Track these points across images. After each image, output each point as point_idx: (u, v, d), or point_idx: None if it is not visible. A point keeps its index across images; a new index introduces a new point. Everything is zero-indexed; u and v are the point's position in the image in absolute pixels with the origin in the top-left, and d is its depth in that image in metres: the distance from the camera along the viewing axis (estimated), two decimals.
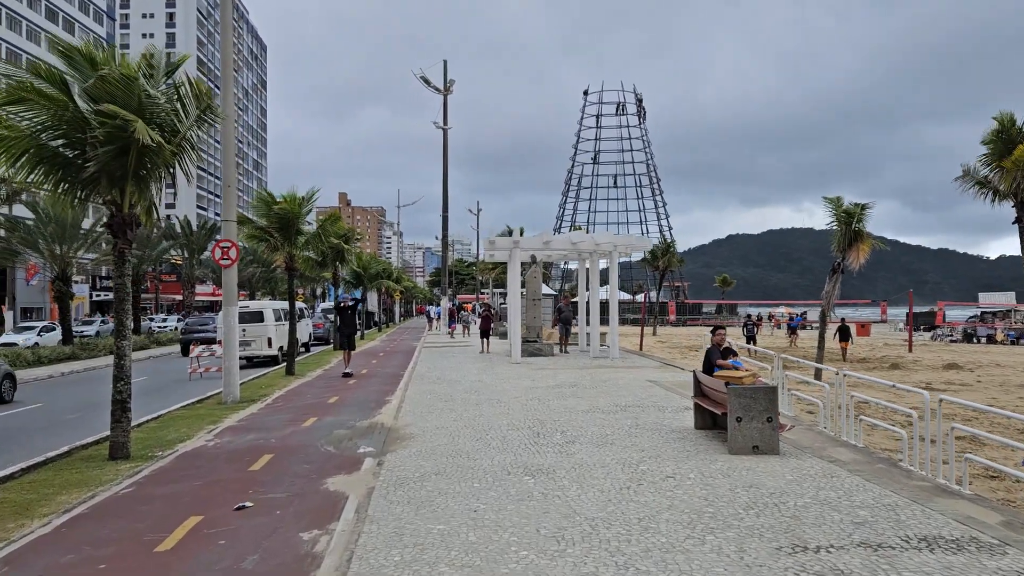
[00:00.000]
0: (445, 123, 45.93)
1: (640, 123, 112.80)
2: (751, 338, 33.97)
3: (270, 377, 20.39)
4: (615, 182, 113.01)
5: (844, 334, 31.24)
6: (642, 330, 33.76)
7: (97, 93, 9.19)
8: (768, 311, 78.34)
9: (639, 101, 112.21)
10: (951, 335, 49.79)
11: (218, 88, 29.28)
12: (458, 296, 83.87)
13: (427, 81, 45.78)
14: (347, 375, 19.58)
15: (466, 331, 41.87)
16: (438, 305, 55.47)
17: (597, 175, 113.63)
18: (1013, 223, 20.43)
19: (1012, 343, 43.10)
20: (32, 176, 9.53)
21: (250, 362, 25.14)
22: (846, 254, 21.89)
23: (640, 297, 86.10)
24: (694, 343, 39.88)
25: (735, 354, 11.55)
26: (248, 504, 7.16)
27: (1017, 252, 20.68)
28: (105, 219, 10.33)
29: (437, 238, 66.12)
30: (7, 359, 20.60)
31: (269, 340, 25.17)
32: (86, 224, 37.82)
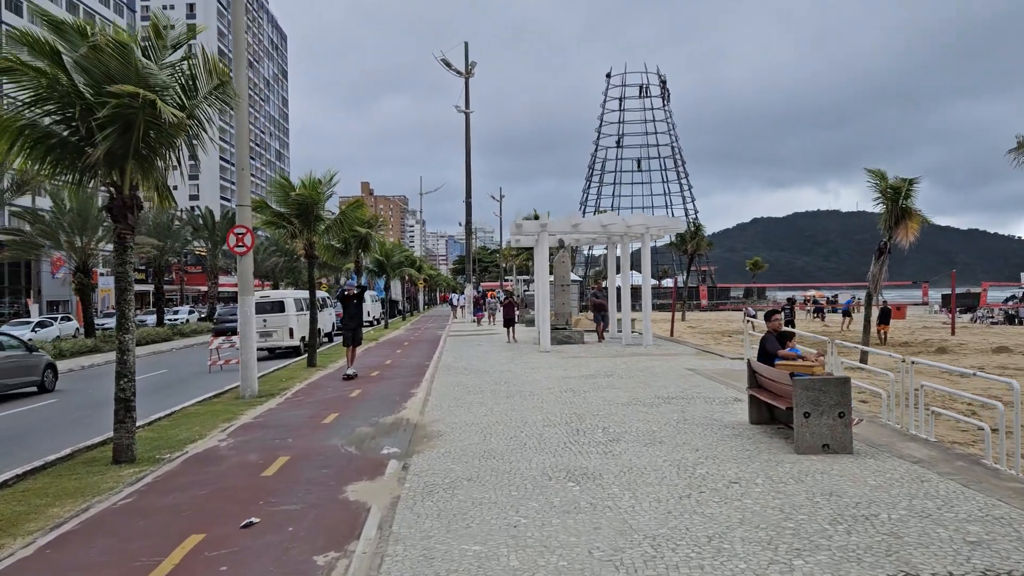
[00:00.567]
0: (467, 106, 45.01)
1: (664, 105, 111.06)
2: (789, 322, 32.73)
3: (291, 369, 19.64)
4: (639, 165, 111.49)
5: (884, 317, 29.85)
6: (672, 315, 32.72)
7: (90, 64, 8.37)
8: (801, 295, 76.37)
9: (663, 83, 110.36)
10: (991, 316, 48.00)
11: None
12: (482, 284, 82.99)
13: (448, 64, 44.85)
14: (348, 377, 16.47)
15: (492, 319, 41.03)
16: (461, 293, 54.66)
17: (621, 159, 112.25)
18: None
19: None
20: (24, 157, 8.74)
21: (272, 353, 24.49)
22: (893, 233, 20.66)
23: (667, 282, 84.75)
24: (725, 328, 38.76)
25: (792, 337, 10.55)
26: (256, 520, 6.31)
27: None
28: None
29: (460, 224, 65.35)
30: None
31: (291, 330, 24.47)
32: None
